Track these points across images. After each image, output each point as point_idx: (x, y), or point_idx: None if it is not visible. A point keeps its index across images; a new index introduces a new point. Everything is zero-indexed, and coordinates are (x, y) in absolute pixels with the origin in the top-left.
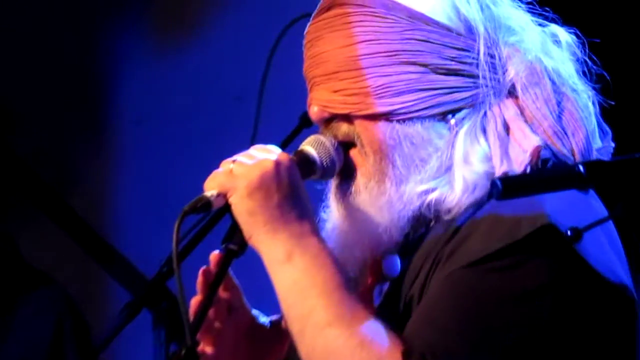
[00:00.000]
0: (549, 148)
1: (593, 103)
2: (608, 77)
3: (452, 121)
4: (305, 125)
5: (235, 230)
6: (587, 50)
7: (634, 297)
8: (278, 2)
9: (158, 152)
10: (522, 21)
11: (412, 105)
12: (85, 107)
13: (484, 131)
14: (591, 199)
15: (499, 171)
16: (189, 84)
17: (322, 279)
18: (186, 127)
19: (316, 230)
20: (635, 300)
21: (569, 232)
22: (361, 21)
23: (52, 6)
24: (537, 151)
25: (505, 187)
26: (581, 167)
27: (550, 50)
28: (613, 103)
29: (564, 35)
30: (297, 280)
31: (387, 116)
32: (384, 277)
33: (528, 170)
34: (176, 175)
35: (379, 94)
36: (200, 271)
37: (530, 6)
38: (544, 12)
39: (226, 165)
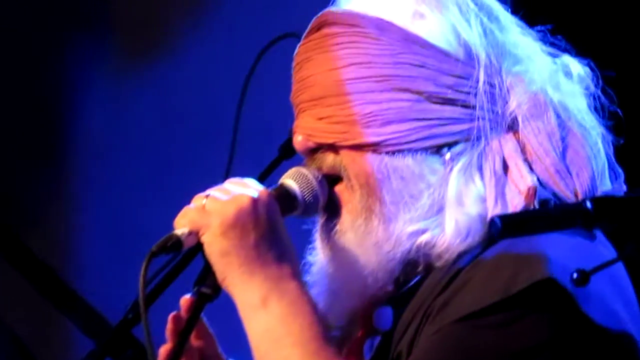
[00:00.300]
0: (549, 187)
1: (604, 141)
2: (621, 114)
3: (448, 155)
4: (285, 157)
5: (208, 271)
6: (600, 85)
7: None
8: (254, 25)
9: (124, 187)
10: (531, 50)
11: (403, 136)
12: (44, 141)
13: (480, 169)
14: (599, 245)
15: (492, 213)
16: (158, 113)
17: (299, 328)
18: (155, 160)
19: (296, 274)
20: None
21: (575, 275)
22: (351, 42)
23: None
24: (531, 193)
25: (505, 225)
26: (588, 203)
27: (559, 82)
28: (623, 141)
29: (577, 67)
30: (271, 328)
31: (375, 147)
32: (375, 331)
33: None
34: (144, 212)
35: (367, 122)
36: (170, 317)
37: (542, 34)
38: (556, 42)
39: (198, 200)
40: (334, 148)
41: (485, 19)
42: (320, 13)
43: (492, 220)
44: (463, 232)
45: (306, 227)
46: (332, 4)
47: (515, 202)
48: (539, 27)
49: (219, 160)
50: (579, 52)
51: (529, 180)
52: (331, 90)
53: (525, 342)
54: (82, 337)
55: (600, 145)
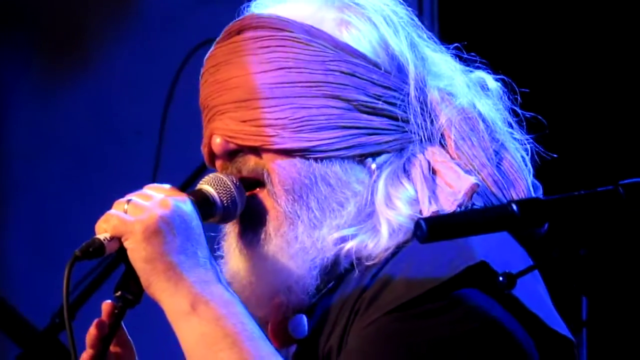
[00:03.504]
0: (487, 197)
1: (527, 153)
2: (546, 123)
3: (373, 166)
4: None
5: (130, 276)
6: (518, 99)
7: (574, 340)
8: (178, 30)
9: (51, 192)
10: (448, 66)
11: (332, 143)
12: None
13: (408, 174)
14: (516, 243)
15: (427, 212)
16: (85, 117)
17: (234, 329)
18: (82, 164)
19: (221, 277)
20: (575, 344)
21: (501, 279)
22: (280, 46)
23: None
24: (473, 189)
25: (431, 228)
26: (514, 206)
27: (482, 97)
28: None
29: (492, 82)
30: (207, 332)
31: (304, 152)
32: (290, 340)
33: (459, 208)
34: (71, 217)
35: (298, 127)
36: (94, 323)
37: (454, 51)
38: (469, 58)
39: (120, 206)
40: (256, 151)
41: (410, 32)
42: (241, 17)
43: (417, 223)
44: (396, 231)
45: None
46: (247, 10)
47: (450, 201)
48: (453, 44)
49: (145, 164)
50: (493, 68)
51: (471, 179)
52: (259, 93)
53: (457, 329)
54: (7, 343)
55: (526, 157)
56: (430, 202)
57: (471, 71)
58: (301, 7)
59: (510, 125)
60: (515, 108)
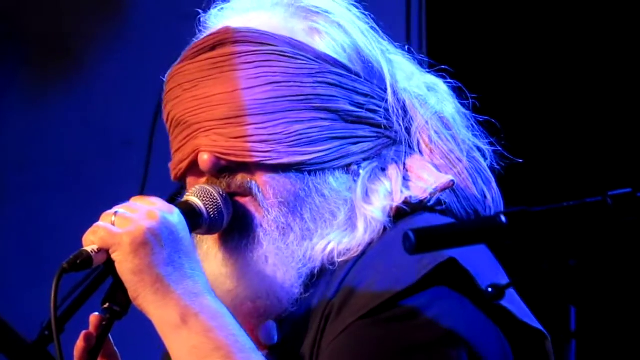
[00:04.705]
0: (462, 191)
1: (484, 157)
2: (500, 126)
3: (362, 172)
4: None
5: (117, 288)
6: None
7: (546, 333)
8: (169, 41)
9: (39, 202)
10: (410, 68)
11: (325, 155)
12: None
13: (385, 173)
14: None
15: (399, 199)
16: (74, 127)
17: (226, 341)
18: (71, 174)
19: (210, 288)
20: (547, 337)
21: (489, 290)
22: (266, 61)
23: None
24: (449, 185)
25: (419, 239)
26: (503, 217)
27: (443, 99)
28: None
29: (443, 85)
30: (198, 345)
31: (299, 166)
32: (260, 347)
33: (430, 196)
34: (60, 227)
35: (292, 141)
36: (82, 336)
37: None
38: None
39: (107, 218)
40: (245, 167)
41: (374, 34)
42: (215, 31)
43: (406, 234)
44: (370, 225)
45: None
46: (204, 23)
47: (422, 190)
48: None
49: (134, 175)
50: (484, 88)
51: (449, 176)
52: (249, 110)
53: (429, 333)
54: None
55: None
56: (402, 192)
57: (424, 73)
58: (268, 17)
59: (473, 128)
60: (468, 112)
